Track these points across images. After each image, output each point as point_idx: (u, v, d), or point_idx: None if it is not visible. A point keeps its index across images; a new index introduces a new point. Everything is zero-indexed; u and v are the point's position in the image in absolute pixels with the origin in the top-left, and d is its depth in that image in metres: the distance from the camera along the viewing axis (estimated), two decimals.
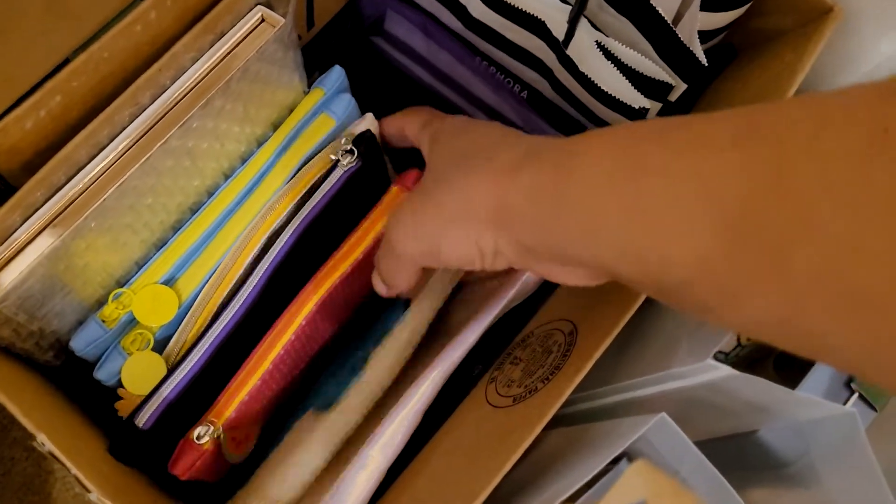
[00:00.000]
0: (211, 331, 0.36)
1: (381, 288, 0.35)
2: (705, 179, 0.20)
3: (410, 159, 0.40)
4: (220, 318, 0.37)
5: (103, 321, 0.35)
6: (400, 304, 0.39)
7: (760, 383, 0.27)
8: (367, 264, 0.38)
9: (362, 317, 0.42)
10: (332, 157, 0.39)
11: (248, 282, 0.37)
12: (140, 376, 0.35)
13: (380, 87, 0.44)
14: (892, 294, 0.16)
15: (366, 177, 0.40)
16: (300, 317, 0.36)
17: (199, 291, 0.37)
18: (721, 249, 0.20)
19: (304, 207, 0.39)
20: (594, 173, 0.24)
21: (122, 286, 0.37)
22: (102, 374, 0.35)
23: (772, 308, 0.19)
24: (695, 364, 0.28)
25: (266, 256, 0.38)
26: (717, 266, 0.20)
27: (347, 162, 0.39)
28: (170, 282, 0.37)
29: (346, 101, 0.40)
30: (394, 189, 0.39)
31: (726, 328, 0.25)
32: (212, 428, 0.34)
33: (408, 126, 0.38)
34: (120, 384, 0.35)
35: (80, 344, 0.35)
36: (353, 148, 0.39)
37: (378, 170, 0.42)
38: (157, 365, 0.35)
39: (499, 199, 0.27)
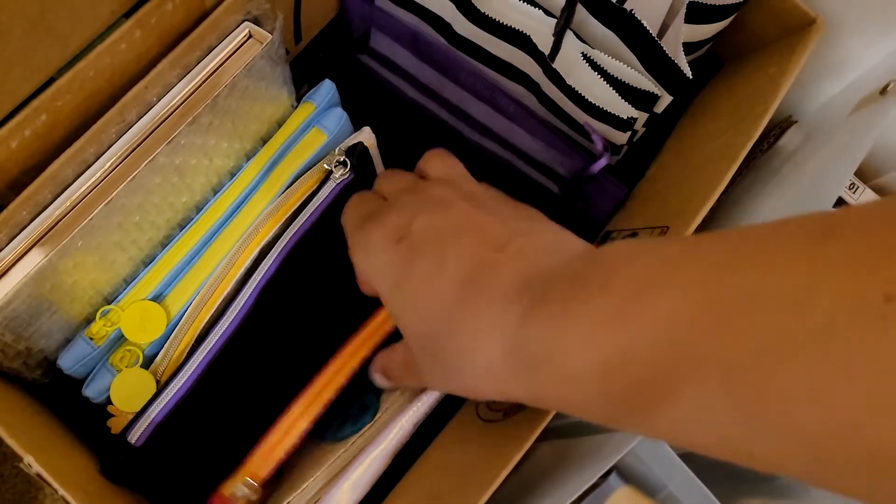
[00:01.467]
0: (203, 346, 0.36)
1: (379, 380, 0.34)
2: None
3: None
4: (212, 334, 0.37)
5: (91, 339, 0.35)
6: None
7: None
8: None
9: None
10: (326, 167, 0.39)
11: (240, 297, 0.37)
12: (129, 393, 0.35)
13: (367, 104, 0.44)
14: None
15: (358, 190, 0.40)
16: (346, 371, 0.36)
17: (189, 307, 0.37)
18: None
19: (296, 221, 0.39)
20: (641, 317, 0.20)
21: (110, 303, 0.37)
22: (91, 391, 0.35)
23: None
24: None
25: (257, 271, 0.38)
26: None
27: (340, 174, 0.39)
28: (158, 298, 0.37)
29: (338, 116, 0.40)
30: None
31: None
32: (249, 490, 0.34)
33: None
34: (109, 401, 0.35)
35: (68, 362, 0.35)
36: (346, 160, 0.39)
37: (371, 183, 0.42)
38: (147, 381, 0.35)
39: (517, 338, 0.24)
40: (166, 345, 0.36)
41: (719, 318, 0.18)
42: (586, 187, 0.41)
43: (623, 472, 0.31)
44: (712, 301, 0.19)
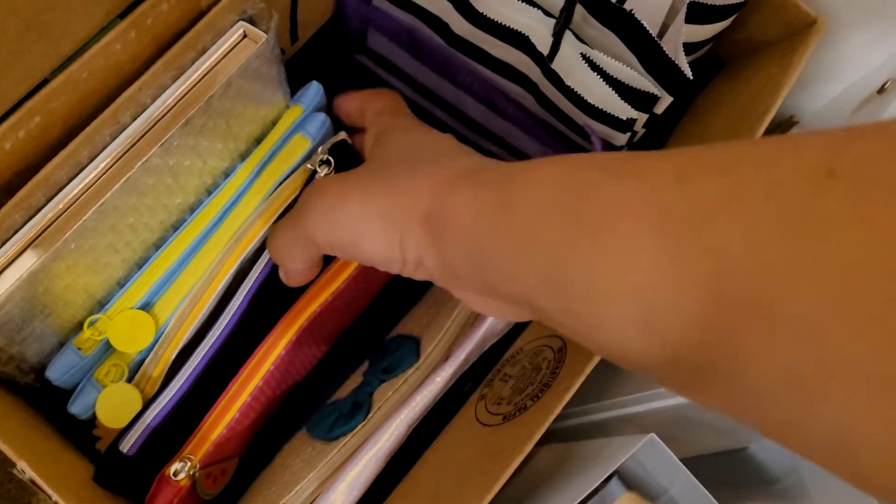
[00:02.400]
0: (195, 354, 0.36)
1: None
2: (653, 207, 0.19)
3: None
4: (205, 341, 0.36)
5: (79, 348, 0.35)
6: (410, 345, 0.37)
7: None
8: (352, 290, 0.37)
9: (362, 330, 0.41)
10: (310, 166, 0.39)
11: (231, 304, 0.37)
12: (115, 409, 0.34)
13: None
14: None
15: None
16: (278, 348, 0.35)
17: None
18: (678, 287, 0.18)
19: None
20: (534, 196, 0.23)
21: (102, 307, 0.36)
22: (76, 408, 0.35)
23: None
24: None
25: (249, 276, 0.37)
26: (664, 302, 0.18)
27: (325, 173, 0.38)
28: (146, 306, 0.36)
29: (321, 121, 0.39)
30: None
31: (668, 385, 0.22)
32: (188, 464, 0.33)
33: (369, 106, 0.37)
34: (94, 418, 0.34)
35: (57, 372, 0.35)
36: (330, 158, 0.39)
37: None
38: (133, 397, 0.35)
39: (434, 205, 0.26)
40: (153, 352, 0.36)
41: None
42: None
43: (624, 477, 0.30)
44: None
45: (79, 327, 0.36)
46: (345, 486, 0.33)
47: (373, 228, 0.27)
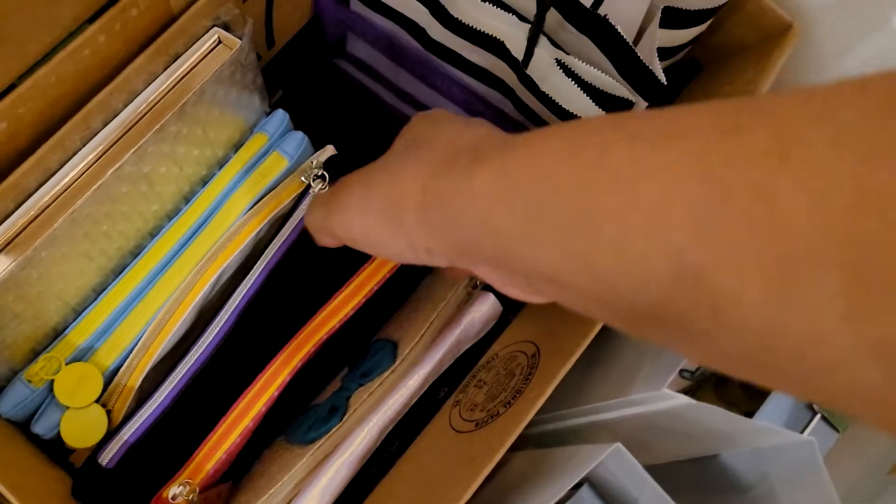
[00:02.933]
0: (179, 368, 0.36)
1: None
2: (696, 158, 0.17)
3: None
4: (189, 356, 0.36)
5: (29, 381, 0.34)
6: (387, 349, 0.37)
7: (716, 412, 0.27)
8: (355, 323, 0.37)
9: (339, 345, 0.41)
10: (303, 180, 0.39)
11: (218, 318, 0.36)
12: (80, 429, 0.34)
13: (343, 108, 0.43)
14: None
15: None
16: (285, 372, 0.35)
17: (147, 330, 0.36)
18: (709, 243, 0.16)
19: (276, 239, 0.38)
20: (541, 157, 0.21)
21: (78, 314, 0.36)
22: (39, 428, 0.34)
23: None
24: (651, 392, 0.28)
25: (239, 289, 0.37)
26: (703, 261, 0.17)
27: (320, 188, 0.38)
28: (121, 315, 0.36)
29: (299, 139, 0.39)
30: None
31: (693, 356, 0.21)
32: (187, 488, 0.33)
33: None
34: (58, 438, 0.34)
35: (7, 406, 0.34)
36: (325, 173, 0.38)
37: None
38: (98, 416, 0.34)
39: (426, 190, 0.24)
40: (127, 362, 0.35)
41: None
42: None
43: (595, 485, 0.30)
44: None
45: (53, 335, 0.36)
46: (318, 490, 0.33)
47: (375, 221, 0.27)
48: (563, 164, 0.20)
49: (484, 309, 0.37)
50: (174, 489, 0.33)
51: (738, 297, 0.16)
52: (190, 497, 0.34)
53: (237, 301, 0.36)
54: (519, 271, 0.23)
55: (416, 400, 0.36)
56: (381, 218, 0.26)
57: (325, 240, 0.32)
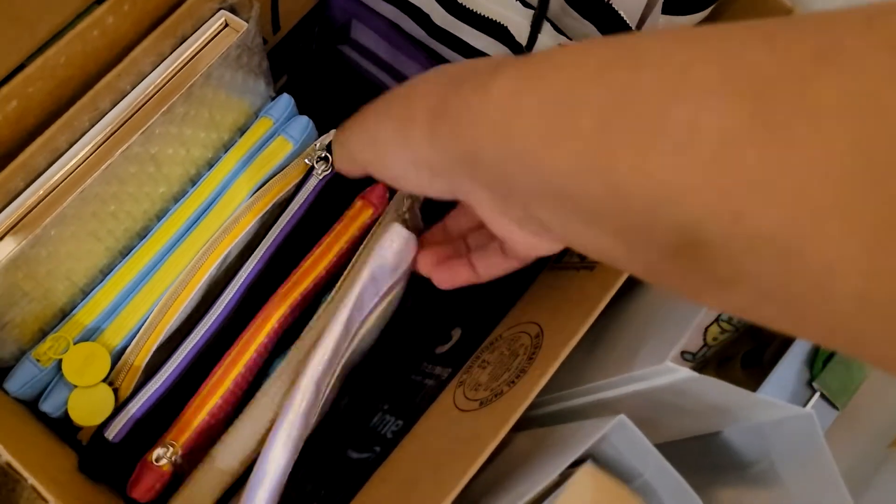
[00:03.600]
0: (185, 344, 0.36)
1: None
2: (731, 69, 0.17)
3: None
4: (194, 332, 0.36)
5: (38, 360, 0.34)
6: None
7: (719, 385, 0.27)
8: (329, 280, 0.38)
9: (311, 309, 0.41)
10: (307, 162, 0.39)
11: (223, 296, 0.37)
12: (87, 408, 0.34)
13: (347, 95, 0.43)
14: None
15: (340, 186, 0.40)
16: (261, 335, 0.35)
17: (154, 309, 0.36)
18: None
19: (280, 219, 0.38)
20: (567, 69, 0.20)
21: (86, 295, 0.37)
22: (47, 406, 0.34)
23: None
24: (654, 366, 0.28)
25: (241, 271, 0.37)
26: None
27: (323, 170, 0.39)
28: (129, 295, 0.36)
29: (304, 124, 0.39)
30: (357, 203, 0.39)
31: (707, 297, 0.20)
32: (170, 450, 0.34)
33: None
34: (67, 415, 0.34)
35: (15, 385, 0.34)
36: (328, 154, 0.39)
37: (352, 180, 0.41)
38: (106, 395, 0.35)
39: (439, 102, 0.24)
40: (134, 341, 0.36)
41: None
42: None
43: (599, 460, 0.31)
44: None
45: (61, 315, 0.36)
46: (280, 444, 0.33)
47: (387, 137, 0.27)
48: (589, 78, 0.19)
49: (392, 237, 0.35)
50: (158, 451, 0.34)
51: (776, 235, 0.16)
52: (173, 458, 0.34)
53: (241, 281, 0.36)
54: (520, 191, 0.22)
55: (351, 343, 0.35)
56: (392, 136, 0.27)
57: (344, 164, 0.32)
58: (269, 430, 0.33)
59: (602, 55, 0.20)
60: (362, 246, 0.36)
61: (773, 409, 0.28)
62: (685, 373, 0.27)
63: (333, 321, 0.34)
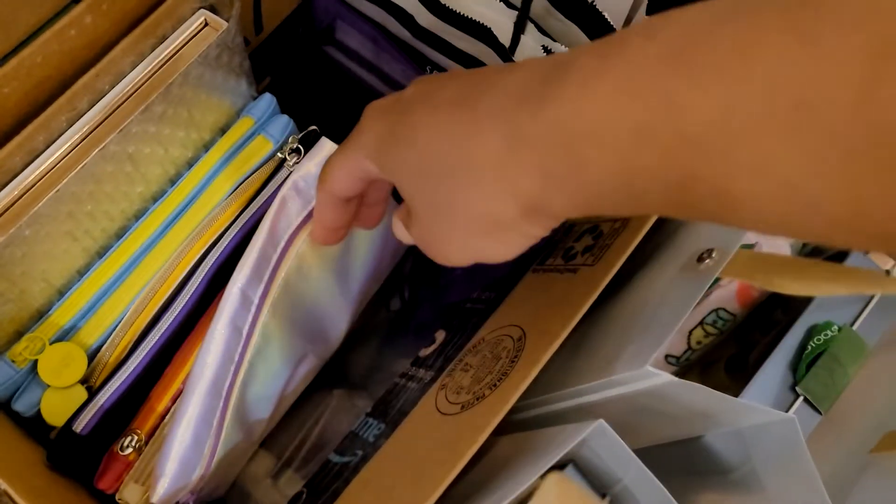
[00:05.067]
0: (151, 335, 0.36)
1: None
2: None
3: None
4: (160, 323, 0.36)
5: (13, 361, 0.34)
6: None
7: (700, 390, 0.27)
8: None
9: None
10: (280, 155, 0.39)
11: (188, 287, 0.37)
12: (60, 407, 0.34)
13: (332, 95, 0.43)
14: None
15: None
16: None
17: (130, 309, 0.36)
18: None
19: (248, 209, 0.38)
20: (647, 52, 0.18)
21: (62, 295, 0.36)
22: (20, 405, 0.34)
23: None
24: (634, 371, 0.28)
25: (205, 261, 0.37)
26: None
27: (294, 162, 0.38)
28: (104, 296, 0.36)
29: (284, 123, 0.39)
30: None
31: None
32: (135, 437, 0.33)
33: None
34: (39, 415, 0.34)
35: None
36: (300, 147, 0.38)
37: None
38: (80, 396, 0.34)
39: (512, 135, 0.21)
40: (110, 339, 0.35)
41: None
42: None
43: (579, 465, 0.30)
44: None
45: (38, 315, 0.36)
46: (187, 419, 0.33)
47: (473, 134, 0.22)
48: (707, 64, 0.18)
49: (316, 150, 0.36)
50: (123, 441, 0.34)
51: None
52: (137, 445, 0.34)
53: (205, 271, 0.36)
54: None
55: (282, 258, 0.35)
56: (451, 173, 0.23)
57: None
58: None
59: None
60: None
61: (754, 413, 0.28)
62: (665, 377, 0.27)
63: (256, 235, 0.34)
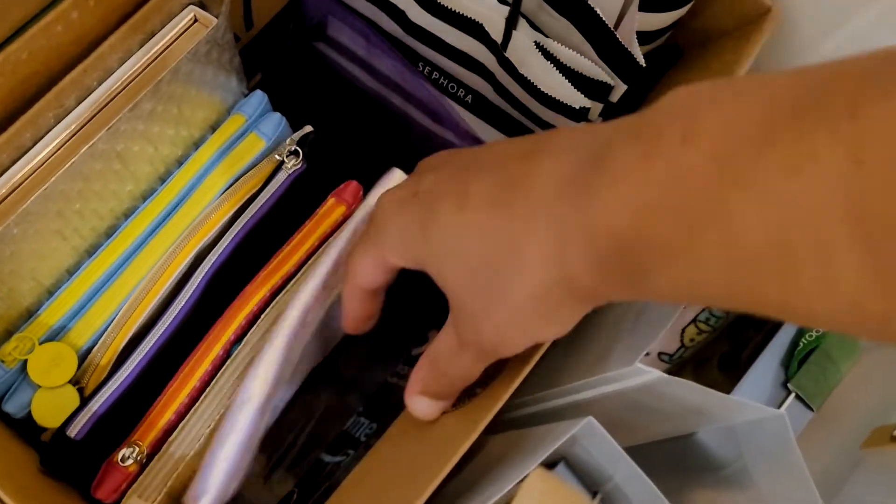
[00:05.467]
0: (146, 341, 0.35)
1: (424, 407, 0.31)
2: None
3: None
4: (155, 329, 0.36)
5: (2, 360, 0.33)
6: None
7: (690, 387, 0.27)
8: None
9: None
10: (277, 157, 0.38)
11: (185, 289, 0.36)
12: (51, 408, 0.34)
13: (323, 92, 0.43)
14: None
15: (312, 182, 0.40)
16: (228, 331, 0.35)
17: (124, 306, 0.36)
18: None
19: (246, 212, 0.38)
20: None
21: (52, 294, 0.36)
22: (11, 406, 0.34)
23: None
24: (624, 368, 0.28)
25: (203, 263, 0.37)
26: None
27: (293, 164, 0.38)
28: (95, 295, 0.36)
29: (276, 121, 0.39)
30: (330, 201, 0.38)
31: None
32: (136, 450, 0.33)
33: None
34: (30, 417, 0.34)
35: None
36: (298, 149, 0.38)
37: (325, 175, 0.41)
38: (70, 397, 0.34)
39: (561, 235, 0.21)
40: (101, 340, 0.35)
41: None
42: None
43: (571, 464, 0.30)
44: None
45: (27, 314, 0.36)
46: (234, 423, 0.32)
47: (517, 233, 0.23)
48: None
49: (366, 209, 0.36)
50: (123, 451, 0.33)
51: None
52: (139, 458, 0.34)
53: (202, 275, 0.36)
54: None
55: (315, 311, 0.35)
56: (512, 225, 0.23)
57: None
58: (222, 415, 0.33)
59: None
60: (333, 237, 0.36)
61: (744, 409, 0.28)
62: (655, 374, 0.27)
63: (301, 291, 0.33)
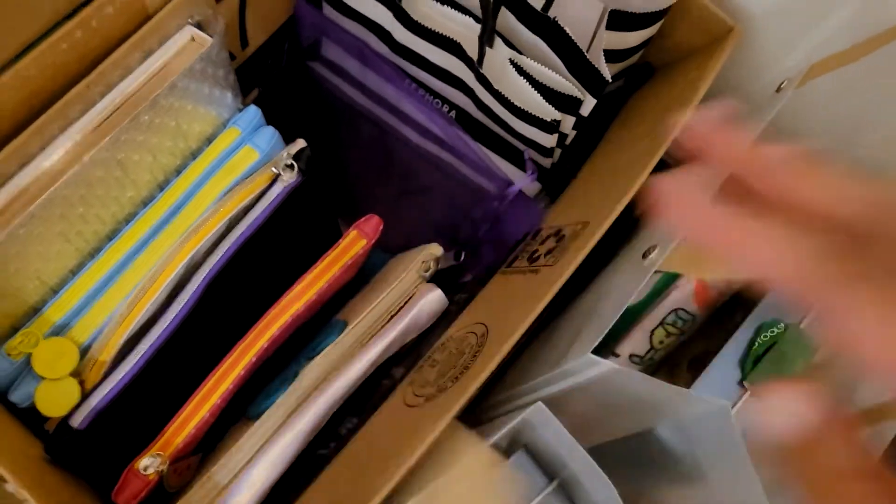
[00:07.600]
0: (146, 339, 0.38)
1: None
2: None
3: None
4: (155, 327, 0.38)
5: (8, 354, 0.36)
6: (338, 325, 0.40)
7: (639, 377, 0.29)
8: (318, 304, 0.39)
9: (302, 332, 0.43)
10: (274, 170, 0.41)
11: (183, 293, 0.39)
12: (54, 400, 0.36)
13: (316, 110, 0.45)
14: None
15: (307, 195, 0.42)
16: (252, 352, 0.37)
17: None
18: None
19: (243, 222, 0.40)
20: None
21: (56, 293, 0.38)
22: (16, 396, 0.36)
23: None
24: (578, 360, 0.29)
25: (201, 269, 0.39)
26: None
27: (288, 177, 0.40)
28: (96, 295, 0.38)
29: (270, 134, 0.41)
30: (352, 233, 0.40)
31: None
32: (158, 460, 0.35)
33: None
34: (33, 407, 0.36)
35: None
36: (293, 163, 0.41)
37: (319, 190, 0.43)
38: (72, 388, 0.36)
39: None
40: (100, 337, 0.37)
41: None
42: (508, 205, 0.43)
43: (531, 451, 0.32)
44: None
45: (32, 312, 0.38)
46: (268, 461, 0.35)
47: None
48: None
49: (431, 301, 0.38)
50: (145, 461, 0.35)
51: None
52: (160, 468, 0.36)
53: (200, 279, 0.38)
54: None
55: (363, 381, 0.37)
56: None
57: None
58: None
59: None
60: (400, 299, 0.39)
61: (693, 402, 0.29)
62: (607, 365, 0.29)
63: (356, 360, 0.37)
